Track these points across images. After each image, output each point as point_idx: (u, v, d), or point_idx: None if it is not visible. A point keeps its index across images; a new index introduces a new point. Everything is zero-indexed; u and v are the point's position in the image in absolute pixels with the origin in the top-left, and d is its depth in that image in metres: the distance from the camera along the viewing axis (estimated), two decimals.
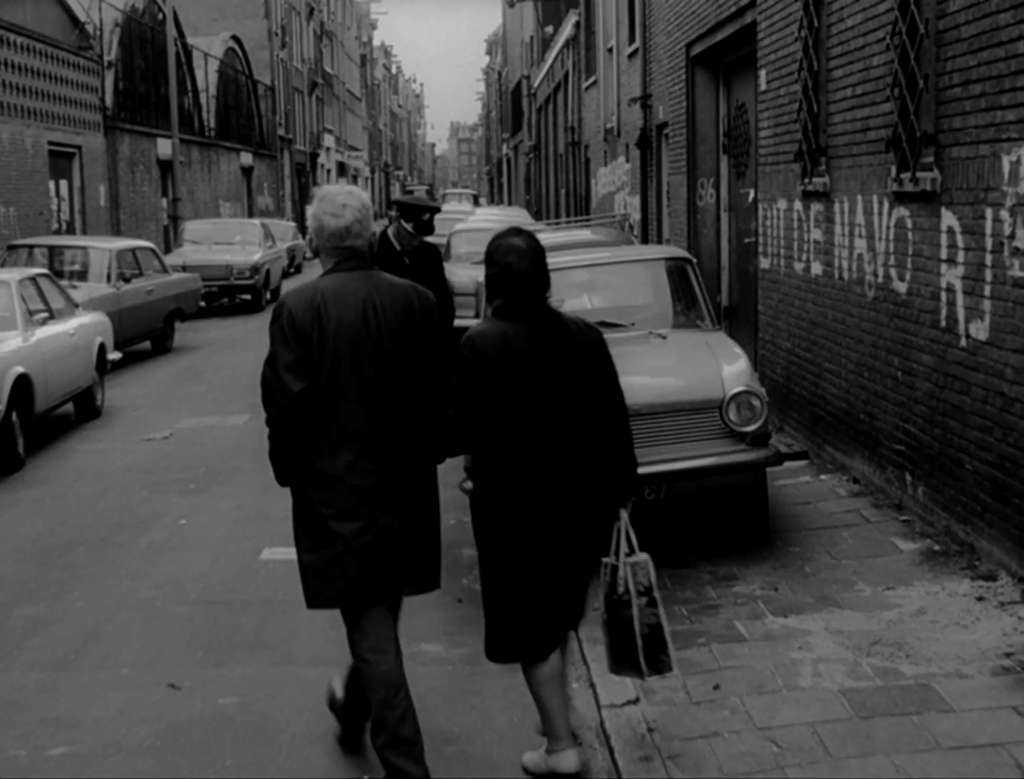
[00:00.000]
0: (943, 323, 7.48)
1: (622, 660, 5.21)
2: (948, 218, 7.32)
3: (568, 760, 5.05)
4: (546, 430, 4.91)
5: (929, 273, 7.66)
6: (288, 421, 4.79)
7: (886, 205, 8.35)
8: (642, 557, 5.15)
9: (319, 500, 4.88)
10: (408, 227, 8.59)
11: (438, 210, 8.90)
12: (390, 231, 8.74)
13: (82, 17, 27.85)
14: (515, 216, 28.25)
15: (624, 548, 5.13)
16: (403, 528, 4.94)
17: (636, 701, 5.70)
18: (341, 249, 5.00)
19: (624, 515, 5.15)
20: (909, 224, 7.97)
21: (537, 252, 5.03)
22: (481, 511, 5.08)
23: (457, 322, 9.06)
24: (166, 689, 6.29)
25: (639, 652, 5.11)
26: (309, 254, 40.98)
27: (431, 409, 4.95)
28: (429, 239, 8.97)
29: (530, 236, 5.10)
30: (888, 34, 8.08)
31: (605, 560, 5.14)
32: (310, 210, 5.14)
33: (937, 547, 7.46)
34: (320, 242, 5.06)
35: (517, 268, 4.97)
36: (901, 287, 8.15)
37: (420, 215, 8.61)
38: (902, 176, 7.95)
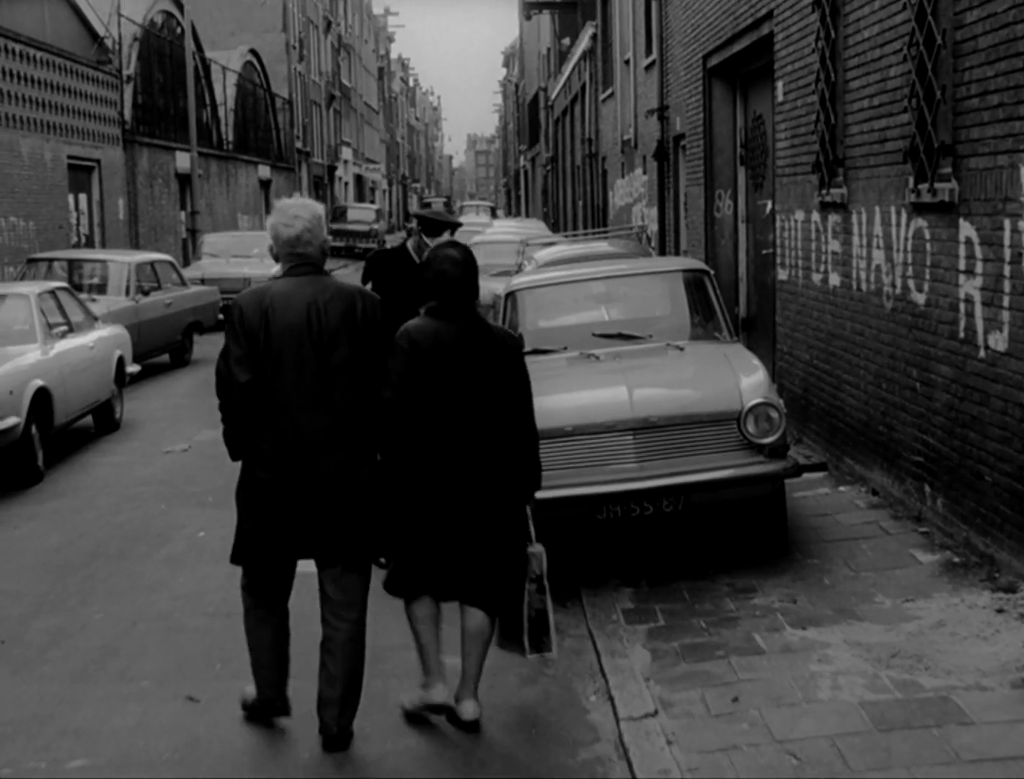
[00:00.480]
0: (962, 334, 7.45)
1: (509, 636, 5.93)
2: (966, 229, 7.31)
3: (438, 693, 5.74)
4: (463, 413, 5.64)
5: (947, 284, 7.64)
6: (237, 407, 5.49)
7: (904, 216, 8.34)
8: (537, 548, 5.84)
9: (260, 477, 5.56)
10: (428, 241, 8.57)
11: (459, 226, 8.88)
12: (409, 244, 8.72)
13: (101, 31, 27.97)
14: (532, 228, 28.27)
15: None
16: (329, 506, 5.52)
17: (655, 713, 5.69)
18: (294, 255, 5.61)
19: (527, 510, 5.87)
20: (927, 235, 7.95)
21: (469, 263, 5.78)
22: (393, 479, 5.69)
23: None
24: (185, 702, 6.30)
25: (524, 632, 5.83)
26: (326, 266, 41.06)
27: (371, 397, 5.57)
28: None
29: (465, 249, 5.86)
30: (905, 45, 8.07)
31: None
32: (269, 221, 5.74)
33: (956, 559, 7.43)
34: (277, 249, 5.67)
35: (451, 275, 5.71)
36: (919, 298, 8.13)
37: (441, 230, 8.59)
38: (920, 187, 7.94)
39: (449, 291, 5.71)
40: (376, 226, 55.33)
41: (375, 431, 5.62)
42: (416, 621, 5.83)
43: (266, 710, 5.89)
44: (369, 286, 8.58)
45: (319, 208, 5.76)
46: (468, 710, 5.73)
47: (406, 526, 5.72)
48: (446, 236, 8.65)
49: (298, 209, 5.64)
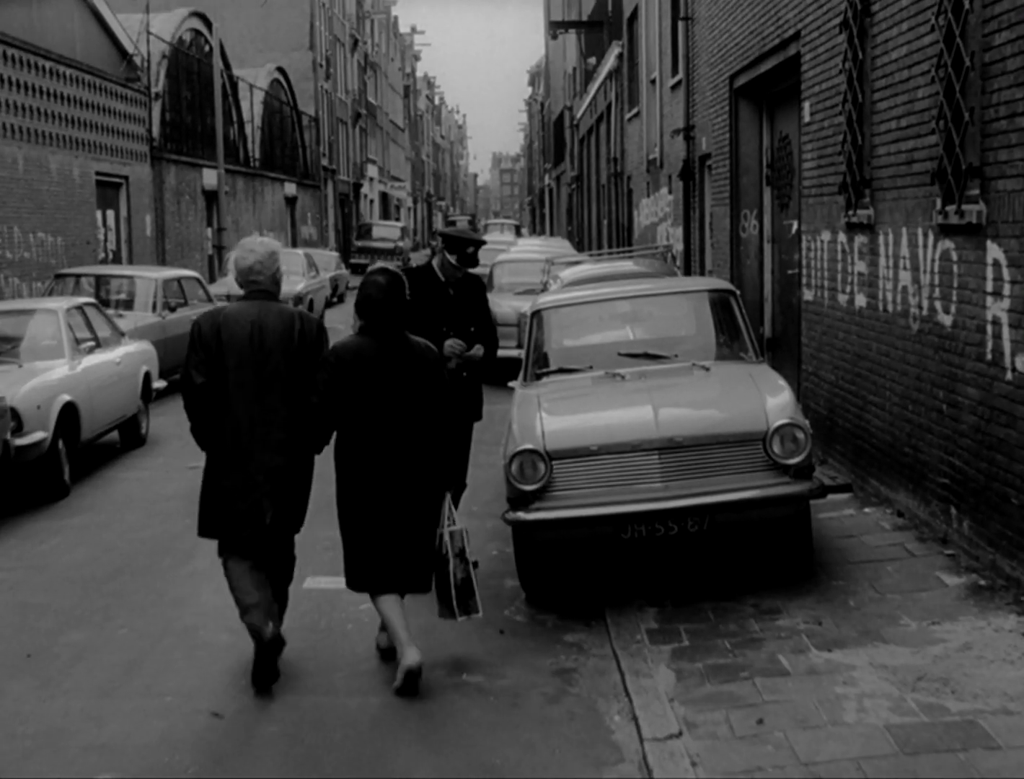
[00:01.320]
0: (989, 356, 7.43)
1: (443, 603, 6.84)
2: (994, 251, 7.29)
3: (411, 657, 6.47)
4: (384, 418, 6.56)
5: (974, 306, 7.62)
6: (194, 403, 6.73)
7: (931, 237, 8.32)
8: (458, 527, 6.83)
9: (218, 461, 6.76)
10: (452, 259, 8.57)
11: (483, 243, 8.84)
12: (435, 262, 8.72)
13: (130, 49, 28.16)
14: (557, 246, 28.32)
15: (446, 521, 6.79)
16: (270, 487, 6.66)
17: (679, 735, 5.67)
18: (248, 282, 6.85)
19: (447, 496, 6.83)
20: (954, 257, 7.93)
21: (392, 288, 6.63)
22: (337, 476, 6.73)
23: (500, 353, 9.03)
24: (209, 717, 6.32)
25: (453, 598, 6.76)
26: (352, 284, 41.24)
27: (303, 400, 6.66)
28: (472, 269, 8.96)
29: (392, 275, 6.72)
30: (933, 67, 8.07)
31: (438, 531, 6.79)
32: (232, 254, 7.12)
33: (983, 582, 7.40)
34: (237, 276, 6.91)
35: (375, 299, 6.60)
36: (946, 320, 8.11)
37: (464, 248, 8.57)
38: (947, 208, 7.92)
39: (372, 312, 6.63)
40: (401, 243, 55.54)
41: (305, 428, 6.73)
42: (381, 609, 6.71)
43: (265, 651, 6.66)
44: None
45: (273, 246, 6.98)
46: (411, 658, 6.55)
47: (349, 524, 6.73)
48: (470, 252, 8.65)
49: (254, 246, 6.91)
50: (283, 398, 6.66)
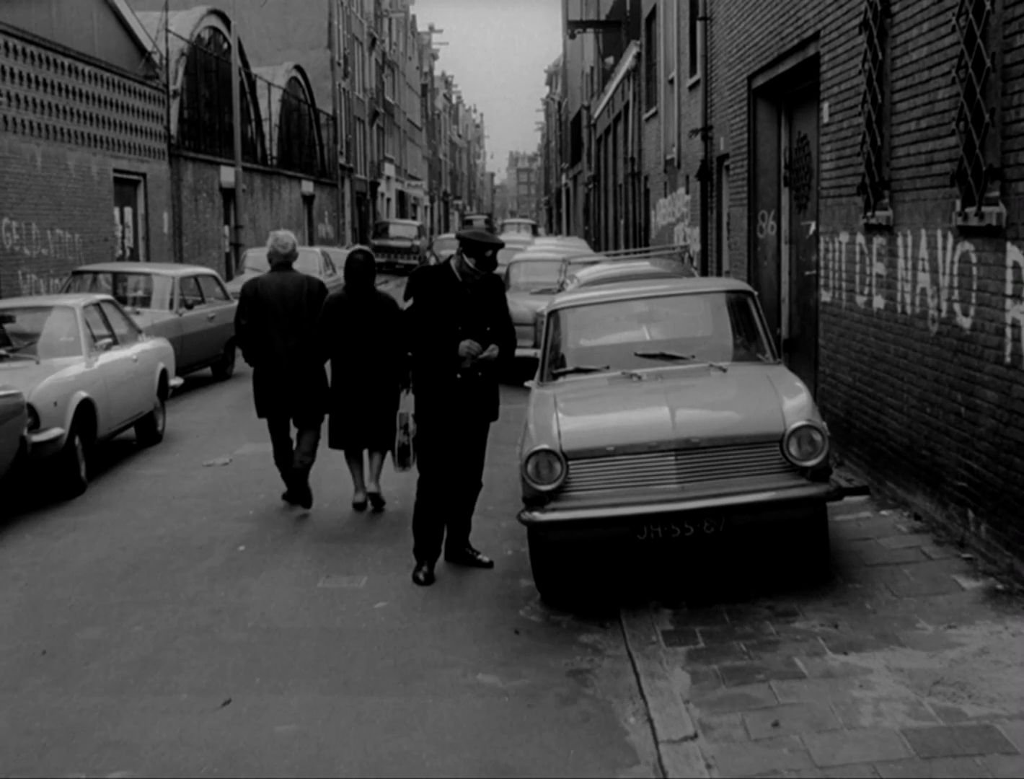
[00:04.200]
0: (1008, 359, 7.39)
1: (392, 459, 10.10)
2: (1014, 253, 7.25)
3: (359, 497, 10.50)
4: (355, 341, 10.25)
5: (994, 308, 7.58)
6: (242, 336, 10.68)
7: (950, 239, 8.28)
8: (404, 411, 9.90)
9: (260, 369, 10.70)
10: (470, 263, 8.44)
11: (500, 246, 8.66)
12: (452, 262, 8.62)
13: (149, 47, 28.23)
14: (573, 246, 28.29)
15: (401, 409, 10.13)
16: (291, 378, 10.58)
17: (694, 737, 5.65)
18: (277, 256, 10.71)
19: (402, 391, 10.44)
20: (974, 259, 7.90)
21: (367, 262, 10.43)
22: (331, 376, 10.51)
23: (517, 353, 8.99)
24: (223, 715, 6.31)
25: (396, 455, 9.99)
26: None
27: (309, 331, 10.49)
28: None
29: (366, 254, 10.56)
30: (954, 68, 8.03)
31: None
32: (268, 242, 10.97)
33: (1000, 586, 7.36)
34: (270, 254, 10.80)
35: (355, 269, 10.35)
36: (965, 322, 8.07)
37: (482, 252, 8.40)
38: (967, 210, 7.89)
39: (353, 275, 10.33)
40: (417, 242, 55.48)
41: (307, 347, 10.45)
42: (349, 461, 10.59)
43: (292, 498, 10.92)
44: (411, 302, 8.56)
45: (293, 237, 10.93)
46: (371, 487, 10.52)
47: (336, 407, 10.43)
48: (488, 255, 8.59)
49: (282, 236, 10.81)
50: (296, 330, 10.45)
